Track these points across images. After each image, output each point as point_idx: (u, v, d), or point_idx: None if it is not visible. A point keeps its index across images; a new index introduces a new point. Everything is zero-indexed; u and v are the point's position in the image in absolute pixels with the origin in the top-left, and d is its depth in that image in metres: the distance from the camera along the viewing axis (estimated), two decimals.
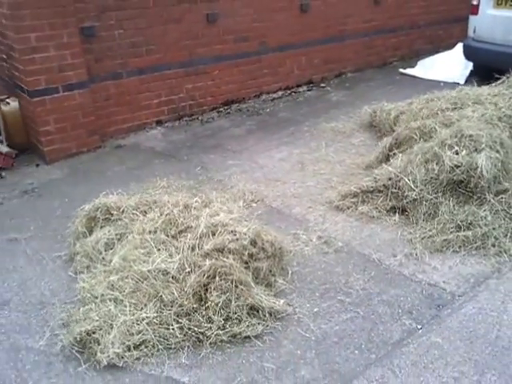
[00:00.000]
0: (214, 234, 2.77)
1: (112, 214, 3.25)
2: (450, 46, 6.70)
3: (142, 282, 2.64)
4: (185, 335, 2.48)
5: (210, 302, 2.51)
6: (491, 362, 2.31)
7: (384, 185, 3.55)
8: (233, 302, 2.51)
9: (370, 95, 5.75)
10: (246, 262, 2.70)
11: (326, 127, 5.09)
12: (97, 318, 2.53)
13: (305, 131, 5.06)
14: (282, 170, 4.27)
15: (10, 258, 3.31)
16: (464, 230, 3.14)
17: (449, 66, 6.05)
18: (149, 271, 2.66)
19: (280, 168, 4.32)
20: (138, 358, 2.41)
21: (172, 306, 2.53)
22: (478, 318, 2.58)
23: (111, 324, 2.49)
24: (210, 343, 2.46)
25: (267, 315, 2.57)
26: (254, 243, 2.77)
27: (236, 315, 2.50)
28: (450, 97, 4.31)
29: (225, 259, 2.62)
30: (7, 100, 5.03)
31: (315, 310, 2.69)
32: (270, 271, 2.83)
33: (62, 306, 2.78)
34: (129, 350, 2.41)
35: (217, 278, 2.56)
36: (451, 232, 3.15)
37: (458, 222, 3.17)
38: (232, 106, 5.84)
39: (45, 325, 2.68)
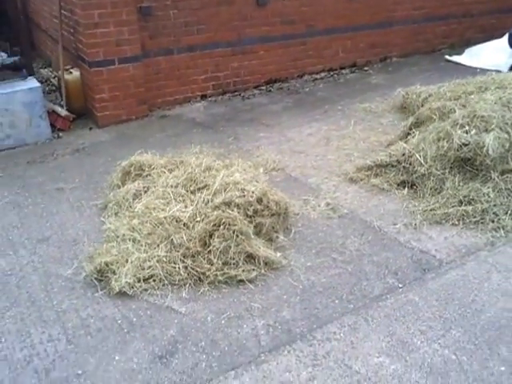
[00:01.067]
0: (226, 191, 3.09)
1: (143, 170, 3.66)
2: (502, 36, 6.57)
3: (158, 227, 3.01)
4: (188, 274, 2.83)
5: (212, 247, 2.84)
6: (460, 321, 2.49)
7: (397, 160, 3.72)
8: (232, 249, 2.83)
9: (409, 80, 5.82)
10: (250, 217, 3.00)
11: (358, 107, 5.26)
12: (116, 253, 2.93)
13: (338, 110, 5.26)
14: (308, 144, 4.51)
15: (55, 204, 3.79)
16: (465, 205, 3.28)
17: (494, 54, 5.99)
18: (165, 218, 3.02)
19: (306, 142, 4.56)
20: (145, 289, 2.79)
21: (180, 248, 2.88)
22: (458, 284, 2.75)
23: (127, 259, 2.88)
24: (209, 282, 2.80)
25: (262, 264, 2.87)
26: (259, 201, 3.06)
27: (234, 260, 2.82)
28: (477, 81, 4.36)
29: (230, 212, 2.93)
30: (71, 70, 5.59)
31: (308, 264, 2.95)
32: (273, 227, 3.12)
33: (90, 244, 3.21)
34: (139, 281, 2.80)
35: (221, 227, 2.89)
36: (453, 206, 3.30)
37: (461, 197, 3.30)
38: (274, 84, 6.11)
39: (74, 258, 3.12)
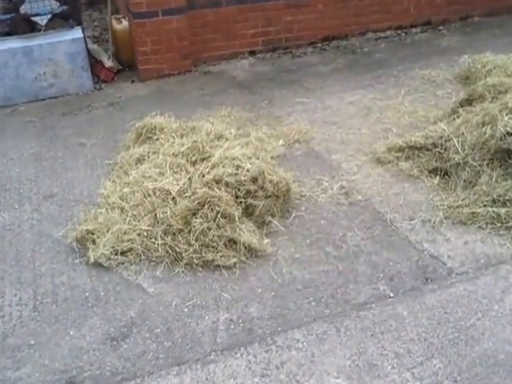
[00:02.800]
0: (220, 166, 2.86)
1: (154, 134, 3.51)
2: None
3: (146, 198, 2.87)
4: (166, 252, 2.68)
5: (192, 227, 2.65)
6: (447, 349, 2.14)
7: (433, 143, 3.24)
8: (212, 231, 2.62)
9: (486, 44, 5.05)
10: (240, 197, 2.76)
11: (416, 74, 4.67)
12: (100, 221, 2.85)
13: (391, 76, 4.71)
14: (345, 114, 4.09)
15: (72, 159, 3.78)
16: (498, 206, 2.79)
17: None
18: (154, 189, 2.87)
19: (344, 111, 4.14)
20: (121, 263, 2.68)
21: (162, 224, 2.73)
22: (462, 301, 2.36)
23: (109, 229, 2.79)
24: (185, 264, 2.63)
25: (244, 250, 2.64)
26: (254, 181, 2.80)
27: (213, 244, 2.63)
28: None
29: (217, 190, 2.71)
30: (122, 19, 5.47)
31: (296, 255, 2.68)
32: (268, 210, 2.87)
33: (87, 207, 3.16)
34: (116, 254, 2.70)
35: (205, 207, 2.68)
36: (484, 205, 2.82)
37: (495, 195, 2.81)
38: (331, 42, 5.60)
39: (70, 220, 3.08)
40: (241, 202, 2.76)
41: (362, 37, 5.69)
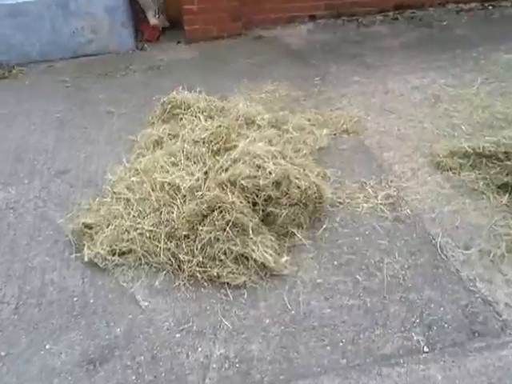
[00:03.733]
0: (239, 163, 2.44)
1: (181, 111, 3.10)
2: None
3: (154, 192, 2.50)
4: (169, 259, 2.32)
5: (198, 235, 2.27)
6: None
7: (506, 152, 2.65)
8: (219, 243, 2.23)
9: None
10: (258, 204, 2.33)
11: (500, 58, 3.93)
12: (102, 214, 2.53)
13: (470, 58, 3.99)
14: (407, 102, 3.49)
15: (96, 130, 3.47)
16: None
17: None
18: (163, 183, 2.50)
19: (407, 98, 3.54)
20: (118, 265, 2.36)
21: (166, 226, 2.37)
22: None
23: (109, 223, 2.46)
24: (188, 276, 2.27)
25: (257, 268, 2.24)
26: (277, 185, 2.36)
27: (220, 257, 2.24)
28: None
29: (230, 195, 2.30)
30: None
31: (319, 280, 2.25)
32: (294, 220, 2.42)
33: (98, 190, 2.84)
34: (114, 254, 2.37)
35: (215, 213, 2.28)
36: None
37: None
38: (404, 11, 4.87)
39: (75, 204, 2.78)
40: (259, 210, 2.34)
41: (441, 7, 4.91)
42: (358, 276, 2.26)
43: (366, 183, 2.78)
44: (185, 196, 2.42)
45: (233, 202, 2.26)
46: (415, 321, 2.05)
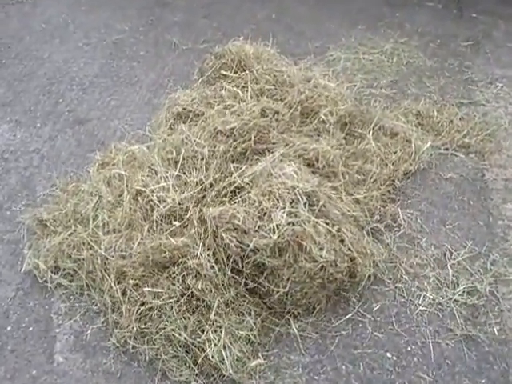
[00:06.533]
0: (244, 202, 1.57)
1: (231, 72, 2.22)
2: None
3: (130, 198, 1.78)
4: (113, 303, 1.65)
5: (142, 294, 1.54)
6: None
7: None
8: (164, 318, 1.49)
9: None
10: (242, 273, 1.50)
11: None
12: (66, 209, 1.91)
13: None
14: None
15: (147, 67, 2.81)
16: None
17: None
18: (139, 192, 1.75)
19: None
20: (60, 286, 1.77)
21: (123, 257, 1.66)
22: None
23: (67, 227, 1.85)
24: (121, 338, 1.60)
25: (209, 370, 1.47)
26: (280, 252, 1.48)
27: (160, 338, 1.50)
28: None
29: (201, 247, 1.49)
30: None
31: None
32: (299, 300, 1.56)
33: (107, 155, 2.17)
34: (56, 272, 1.79)
35: (175, 269, 1.52)
36: None
37: None
38: None
39: (75, 170, 2.21)
40: (241, 280, 1.51)
41: None
42: None
43: (452, 253, 1.73)
44: (157, 223, 1.66)
45: (199, 263, 1.46)
46: None
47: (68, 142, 2.37)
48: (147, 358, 1.52)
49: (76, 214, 1.86)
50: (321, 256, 1.47)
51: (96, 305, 1.70)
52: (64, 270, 1.77)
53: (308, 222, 1.48)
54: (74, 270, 1.76)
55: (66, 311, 1.71)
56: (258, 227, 1.47)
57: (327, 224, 1.53)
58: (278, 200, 1.51)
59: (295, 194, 1.53)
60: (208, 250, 1.49)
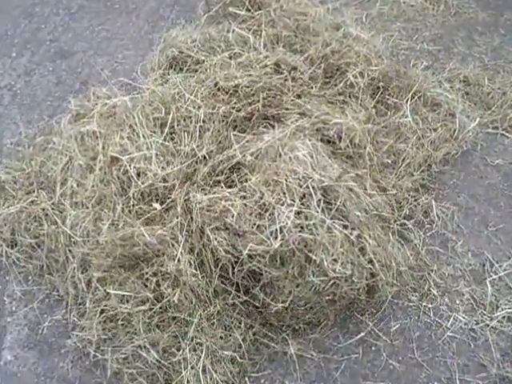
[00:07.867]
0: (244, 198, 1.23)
1: (242, 9, 1.80)
2: None
3: (105, 164, 1.44)
4: (75, 291, 1.37)
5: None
6: None
7: None
8: (127, 339, 1.20)
9: None
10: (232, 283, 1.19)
11: None
12: (30, 168, 1.58)
13: None
14: None
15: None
16: None
17: None
18: (114, 159, 1.41)
19: None
20: (15, 265, 1.48)
21: (90, 237, 1.35)
22: None
23: (28, 192, 1.52)
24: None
25: None
26: (282, 261, 1.16)
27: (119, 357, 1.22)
28: None
29: (182, 248, 1.17)
30: None
31: None
32: (302, 315, 1.26)
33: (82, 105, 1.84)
34: (13, 246, 1.50)
35: (148, 269, 1.21)
36: None
37: None
38: None
39: (50, 115, 1.87)
40: (230, 290, 1.20)
41: None
42: None
43: (493, 265, 1.41)
44: (133, 202, 1.33)
45: (178, 268, 1.15)
46: None
47: (46, 79, 2.01)
48: (110, 370, 1.25)
49: (41, 176, 1.54)
50: (334, 270, 1.15)
51: (57, 291, 1.43)
52: (22, 245, 1.48)
53: (321, 226, 1.15)
54: (34, 247, 1.46)
55: (22, 296, 1.44)
56: (257, 228, 1.14)
57: (345, 228, 1.19)
58: (284, 193, 1.17)
59: (308, 187, 1.18)
60: (191, 251, 1.18)
